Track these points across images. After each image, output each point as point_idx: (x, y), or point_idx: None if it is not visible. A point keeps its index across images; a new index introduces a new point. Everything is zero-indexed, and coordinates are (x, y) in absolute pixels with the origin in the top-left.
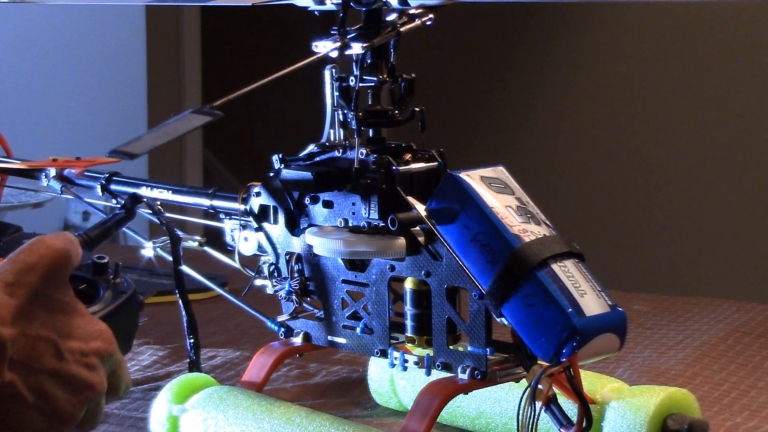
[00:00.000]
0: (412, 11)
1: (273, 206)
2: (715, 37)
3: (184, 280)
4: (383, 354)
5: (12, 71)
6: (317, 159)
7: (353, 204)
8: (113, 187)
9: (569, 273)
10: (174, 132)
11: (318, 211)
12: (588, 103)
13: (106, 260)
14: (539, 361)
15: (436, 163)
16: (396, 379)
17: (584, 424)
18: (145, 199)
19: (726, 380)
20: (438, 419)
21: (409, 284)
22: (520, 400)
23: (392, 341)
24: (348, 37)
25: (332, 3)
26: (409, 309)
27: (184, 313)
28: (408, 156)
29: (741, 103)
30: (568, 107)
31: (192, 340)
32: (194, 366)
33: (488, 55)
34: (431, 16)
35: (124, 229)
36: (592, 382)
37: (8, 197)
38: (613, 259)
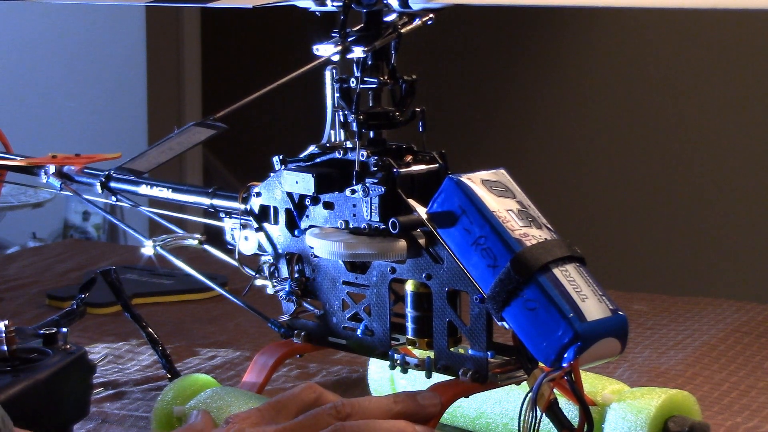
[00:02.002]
0: (412, 12)
1: (273, 207)
2: (717, 41)
3: (134, 310)
4: (384, 356)
5: (13, 69)
6: (318, 160)
7: (354, 206)
8: (113, 184)
9: (570, 277)
10: (178, 147)
11: (318, 212)
12: (588, 104)
13: (54, 331)
14: (540, 365)
15: (437, 165)
16: (396, 379)
17: (585, 429)
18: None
19: (726, 380)
20: None
21: (409, 286)
22: (522, 405)
23: (393, 343)
24: (349, 39)
25: (333, 5)
26: (409, 311)
27: (143, 333)
28: (409, 158)
29: (741, 104)
30: (568, 109)
31: (160, 350)
32: (172, 374)
33: (490, 56)
34: (432, 16)
35: (124, 227)
36: (592, 383)
37: (8, 197)
38: (613, 259)
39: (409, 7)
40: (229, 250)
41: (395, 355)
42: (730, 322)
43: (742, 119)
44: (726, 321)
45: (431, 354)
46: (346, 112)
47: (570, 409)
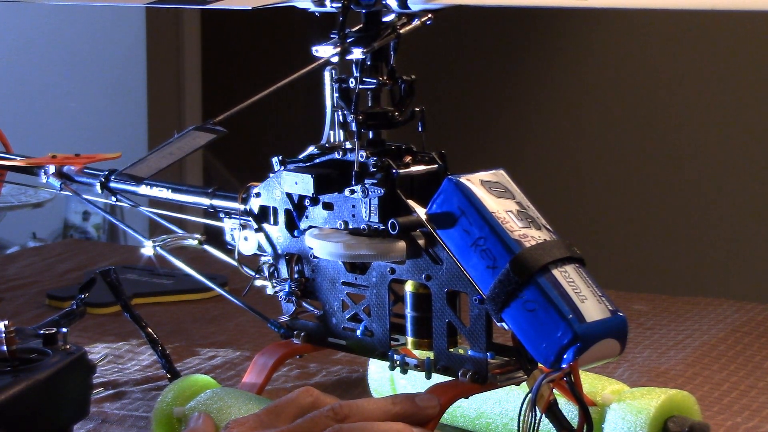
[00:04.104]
0: (411, 12)
1: (273, 207)
2: (715, 42)
3: (134, 311)
4: (383, 356)
5: (13, 69)
6: (317, 161)
7: (353, 206)
8: (113, 184)
9: (570, 278)
10: (179, 152)
11: (318, 212)
12: (588, 104)
13: (54, 331)
14: (539, 365)
15: (436, 166)
16: (396, 379)
17: (585, 430)
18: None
19: (726, 380)
20: None
21: (409, 287)
22: (521, 406)
23: (392, 343)
24: (348, 40)
25: (332, 5)
26: (409, 312)
27: (142, 333)
28: (408, 158)
29: (741, 104)
30: (568, 109)
31: (160, 350)
32: (171, 374)
33: (489, 57)
34: (431, 16)
35: (124, 227)
36: (592, 383)
37: (8, 197)
38: (613, 259)
39: (408, 8)
40: (228, 250)
41: (395, 355)
42: (730, 322)
43: (741, 120)
44: (726, 321)
45: (431, 354)
46: (345, 113)
47: (569, 409)
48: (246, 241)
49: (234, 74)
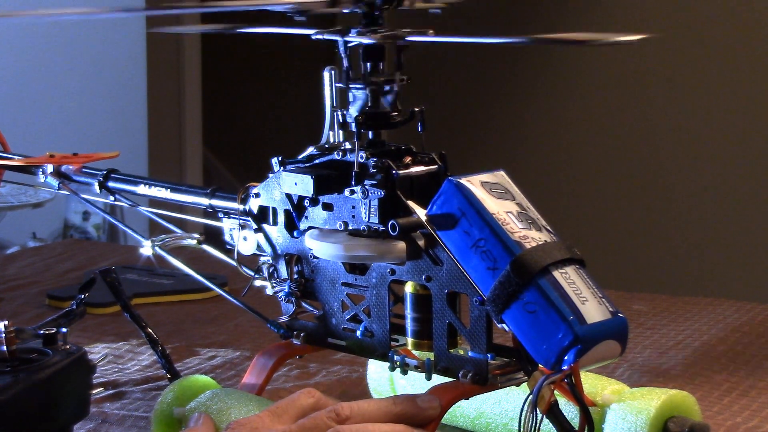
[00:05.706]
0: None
1: (272, 207)
2: (713, 42)
3: (133, 311)
4: (384, 357)
5: (12, 69)
6: (317, 161)
7: (353, 207)
8: (111, 184)
9: (570, 280)
10: None
11: (317, 213)
12: (588, 104)
13: (54, 331)
14: (540, 366)
15: (436, 167)
16: (396, 379)
17: (585, 431)
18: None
19: (726, 380)
20: None
21: (409, 288)
22: (522, 407)
23: (393, 344)
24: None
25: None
26: (409, 313)
27: (142, 333)
28: (408, 159)
29: (741, 104)
30: (567, 109)
31: (160, 350)
32: (171, 374)
33: (490, 57)
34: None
35: (122, 227)
36: (592, 383)
37: (8, 197)
38: (613, 259)
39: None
40: (227, 250)
41: (395, 356)
42: (730, 322)
43: (741, 120)
44: (726, 321)
45: (431, 355)
46: (344, 113)
47: (570, 410)
48: (245, 241)
49: (234, 74)
